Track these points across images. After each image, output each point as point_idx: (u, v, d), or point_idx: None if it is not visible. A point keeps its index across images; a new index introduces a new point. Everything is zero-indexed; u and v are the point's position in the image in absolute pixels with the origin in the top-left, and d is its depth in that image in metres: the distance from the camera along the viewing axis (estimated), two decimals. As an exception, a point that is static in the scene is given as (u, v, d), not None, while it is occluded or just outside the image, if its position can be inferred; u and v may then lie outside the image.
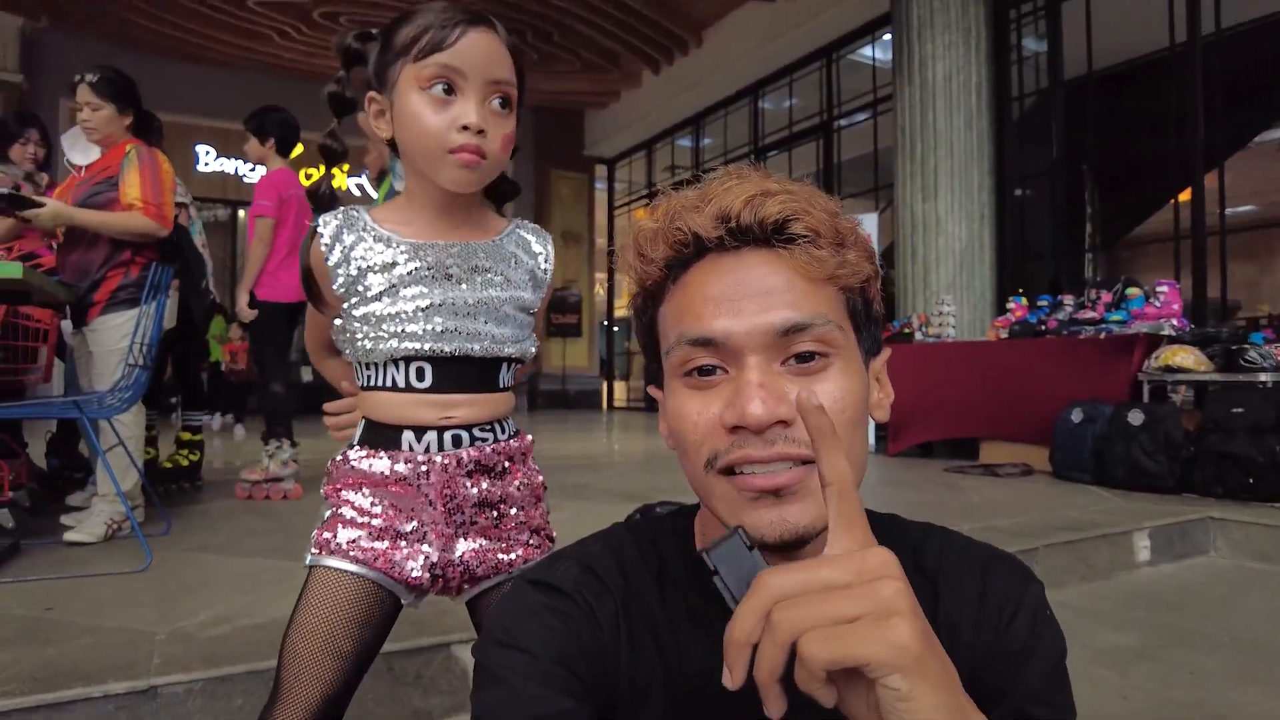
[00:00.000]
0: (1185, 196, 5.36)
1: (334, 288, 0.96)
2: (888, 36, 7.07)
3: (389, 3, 8.53)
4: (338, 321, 0.99)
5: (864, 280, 0.62)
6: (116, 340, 2.84)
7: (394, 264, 0.94)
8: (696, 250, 0.61)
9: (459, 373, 0.96)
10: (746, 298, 0.58)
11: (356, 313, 0.95)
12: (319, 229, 0.95)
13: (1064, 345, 4.67)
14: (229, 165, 10.77)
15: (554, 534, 1.06)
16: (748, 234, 0.59)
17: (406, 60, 0.90)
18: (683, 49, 10.01)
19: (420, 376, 0.95)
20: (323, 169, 0.98)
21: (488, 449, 0.98)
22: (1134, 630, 2.33)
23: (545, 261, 1.05)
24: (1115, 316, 4.54)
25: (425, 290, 0.94)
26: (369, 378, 0.98)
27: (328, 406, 1.08)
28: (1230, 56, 5.33)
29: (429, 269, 0.95)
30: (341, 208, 0.97)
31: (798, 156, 9.35)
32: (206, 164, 10.77)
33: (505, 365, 1.00)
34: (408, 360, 0.95)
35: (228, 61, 9.72)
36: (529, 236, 1.05)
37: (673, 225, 0.61)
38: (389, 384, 0.96)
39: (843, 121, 8.69)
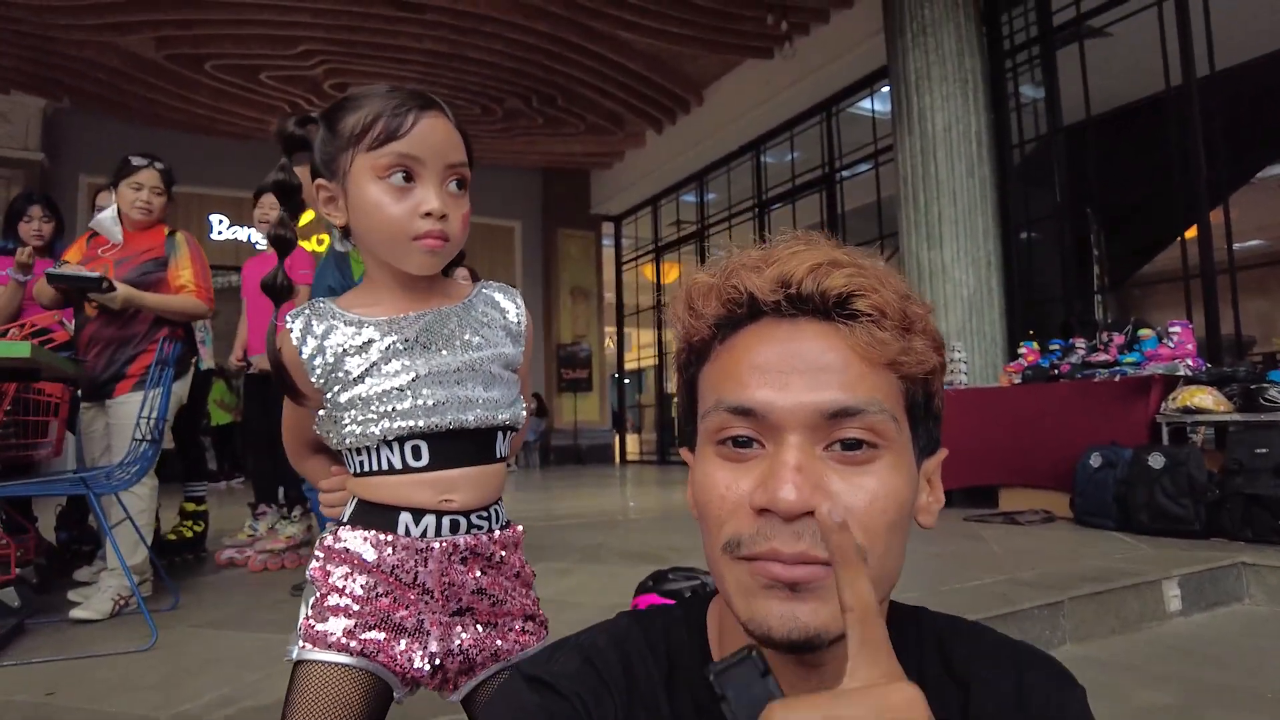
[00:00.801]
0: (1191, 234, 5.35)
1: (312, 380, 0.93)
2: (886, 89, 7.17)
3: (397, 74, 8.75)
4: (321, 413, 0.96)
5: (928, 372, 0.57)
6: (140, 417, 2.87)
7: (370, 342, 0.92)
8: (750, 312, 0.57)
9: (456, 447, 0.93)
10: (796, 372, 0.53)
11: (342, 399, 0.93)
12: (288, 325, 0.93)
13: (1078, 389, 4.62)
14: (241, 233, 10.98)
15: (546, 620, 1.04)
16: (807, 303, 0.55)
17: (359, 149, 0.89)
18: (684, 108, 10.19)
19: (417, 455, 0.92)
20: (316, 240, 0.96)
21: (483, 537, 0.96)
22: (1172, 687, 2.24)
23: (517, 314, 1.03)
24: (1129, 358, 4.49)
25: (408, 363, 0.92)
26: (361, 463, 0.94)
27: (323, 484, 1.05)
28: (1228, 95, 5.37)
29: (406, 341, 0.93)
30: (307, 302, 0.96)
31: (801, 209, 9.43)
32: (220, 232, 11.00)
33: (501, 434, 0.98)
34: (402, 440, 0.92)
35: (241, 134, 9.96)
36: (495, 295, 1.03)
37: (728, 282, 0.57)
38: (384, 467, 0.93)
39: (845, 173, 8.78)
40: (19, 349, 2.24)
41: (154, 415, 2.77)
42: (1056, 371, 4.84)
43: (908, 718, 0.39)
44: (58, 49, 8.04)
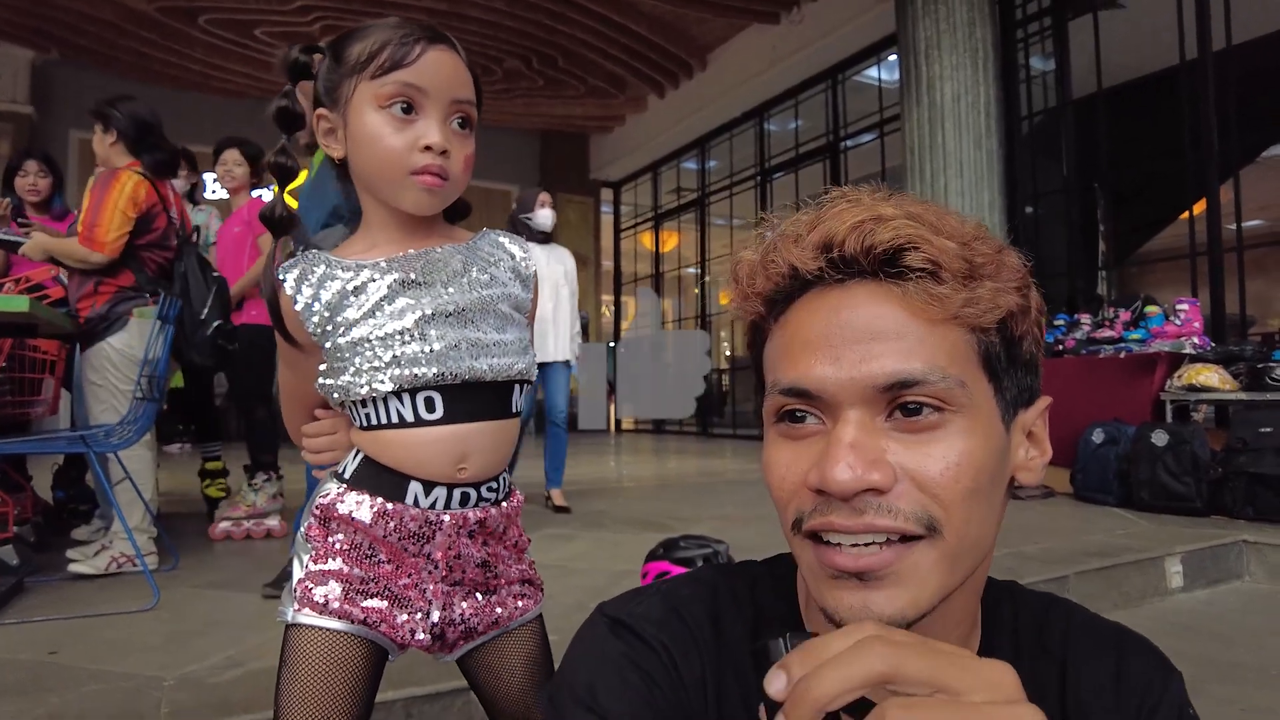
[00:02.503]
0: (1200, 208, 5.30)
1: (309, 331, 0.87)
2: (893, 58, 7.06)
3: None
4: (322, 367, 0.90)
5: (1004, 316, 0.52)
6: (92, 374, 2.84)
7: (369, 283, 0.87)
8: (797, 285, 0.54)
9: (472, 400, 0.88)
10: (847, 343, 0.50)
11: (342, 342, 0.86)
12: (281, 277, 0.88)
13: (1083, 365, 4.60)
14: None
15: (542, 583, 1.02)
16: (854, 265, 0.51)
17: (362, 77, 0.84)
18: (688, 73, 10.03)
19: (430, 407, 0.86)
20: (276, 189, 0.91)
21: (493, 510, 0.92)
22: (1175, 663, 2.24)
23: (524, 258, 0.97)
24: (1134, 335, 4.47)
25: (412, 301, 0.86)
26: (368, 416, 0.87)
27: (306, 428, 0.98)
28: (1243, 70, 5.29)
29: (408, 279, 0.87)
30: (299, 253, 0.90)
31: (804, 178, 9.33)
32: (215, 191, 10.79)
33: (518, 388, 0.93)
34: (413, 391, 0.85)
35: (235, 91, 9.76)
36: (501, 239, 0.98)
37: (768, 258, 0.54)
38: (394, 419, 0.86)
39: (849, 143, 8.68)
40: (17, 302, 2.19)
41: (155, 373, 2.72)
42: (1061, 347, 4.82)
43: (1017, 698, 0.34)
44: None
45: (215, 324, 3.00)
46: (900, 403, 0.50)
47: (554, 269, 4.33)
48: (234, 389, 4.06)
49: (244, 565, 2.92)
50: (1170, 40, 5.42)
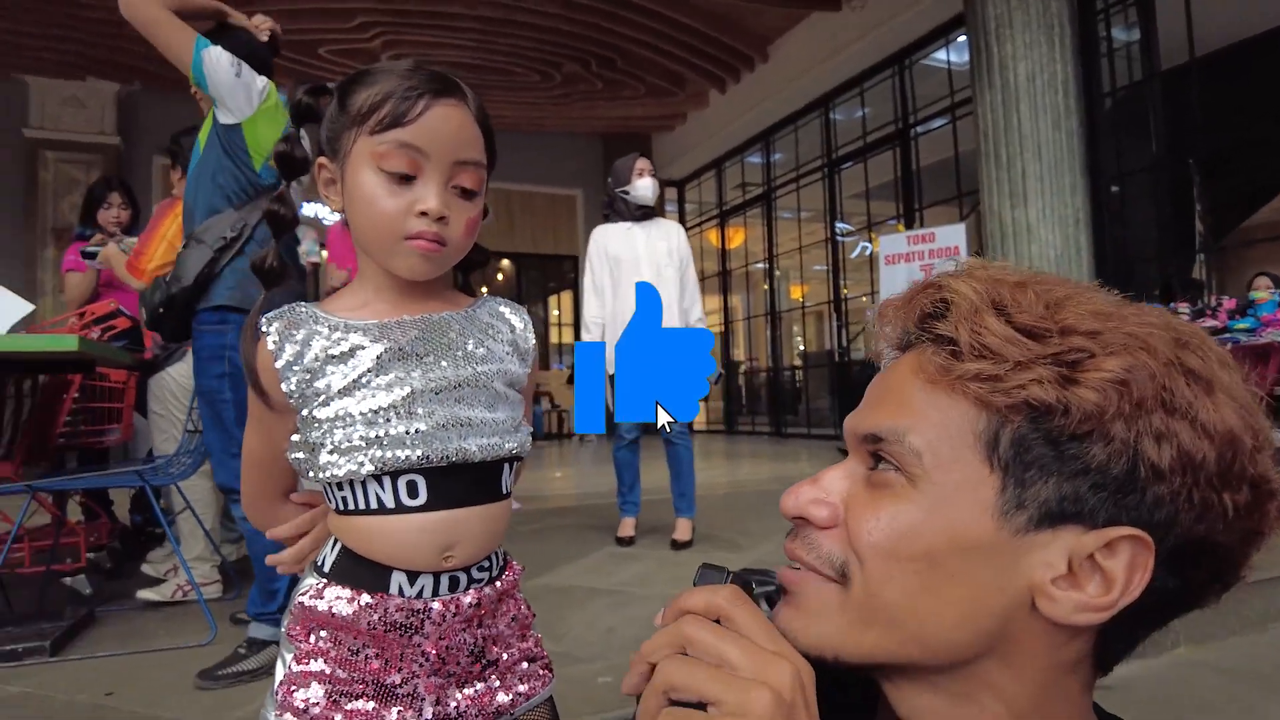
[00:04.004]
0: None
1: (286, 390, 0.80)
2: (962, 39, 6.74)
3: (452, 41, 8.65)
4: (295, 438, 0.82)
5: (1042, 409, 0.46)
6: (154, 403, 2.89)
7: (357, 349, 0.79)
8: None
9: (458, 483, 0.80)
10: (867, 396, 0.56)
11: (320, 415, 0.79)
12: (262, 327, 0.80)
13: (1181, 358, 4.27)
14: (308, 209, 11.11)
15: (550, 662, 0.92)
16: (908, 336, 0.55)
17: (362, 130, 0.78)
18: (749, 66, 9.83)
19: (413, 492, 0.79)
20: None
21: (486, 589, 0.83)
22: (1301, 701, 2.01)
23: (524, 330, 0.90)
24: (1241, 324, 4.12)
25: (402, 375, 0.79)
26: (345, 500, 0.80)
27: (281, 532, 0.90)
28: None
29: (399, 350, 0.80)
30: (286, 305, 0.83)
31: (873, 167, 9.03)
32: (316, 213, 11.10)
33: (508, 466, 0.85)
34: (395, 474, 0.78)
35: (304, 110, 10.03)
36: (503, 309, 0.91)
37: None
38: (373, 505, 0.79)
39: (919, 128, 8.35)
40: (66, 342, 2.22)
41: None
42: (1155, 340, 4.49)
43: (768, 682, 0.43)
44: (127, 32, 8.14)
45: None
46: (876, 454, 0.52)
47: (654, 247, 3.74)
48: None
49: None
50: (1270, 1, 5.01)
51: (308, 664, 0.79)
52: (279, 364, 0.79)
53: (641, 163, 3.80)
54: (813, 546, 0.52)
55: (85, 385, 3.23)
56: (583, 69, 9.51)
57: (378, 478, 0.78)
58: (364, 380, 0.79)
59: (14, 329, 2.42)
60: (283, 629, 0.82)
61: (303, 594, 0.81)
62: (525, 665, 0.89)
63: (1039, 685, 0.50)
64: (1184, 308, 4.49)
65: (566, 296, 13.43)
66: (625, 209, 3.75)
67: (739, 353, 12.70)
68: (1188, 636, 2.40)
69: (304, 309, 0.82)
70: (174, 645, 2.34)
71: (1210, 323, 4.24)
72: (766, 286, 11.50)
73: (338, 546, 0.82)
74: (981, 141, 5.83)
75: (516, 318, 0.90)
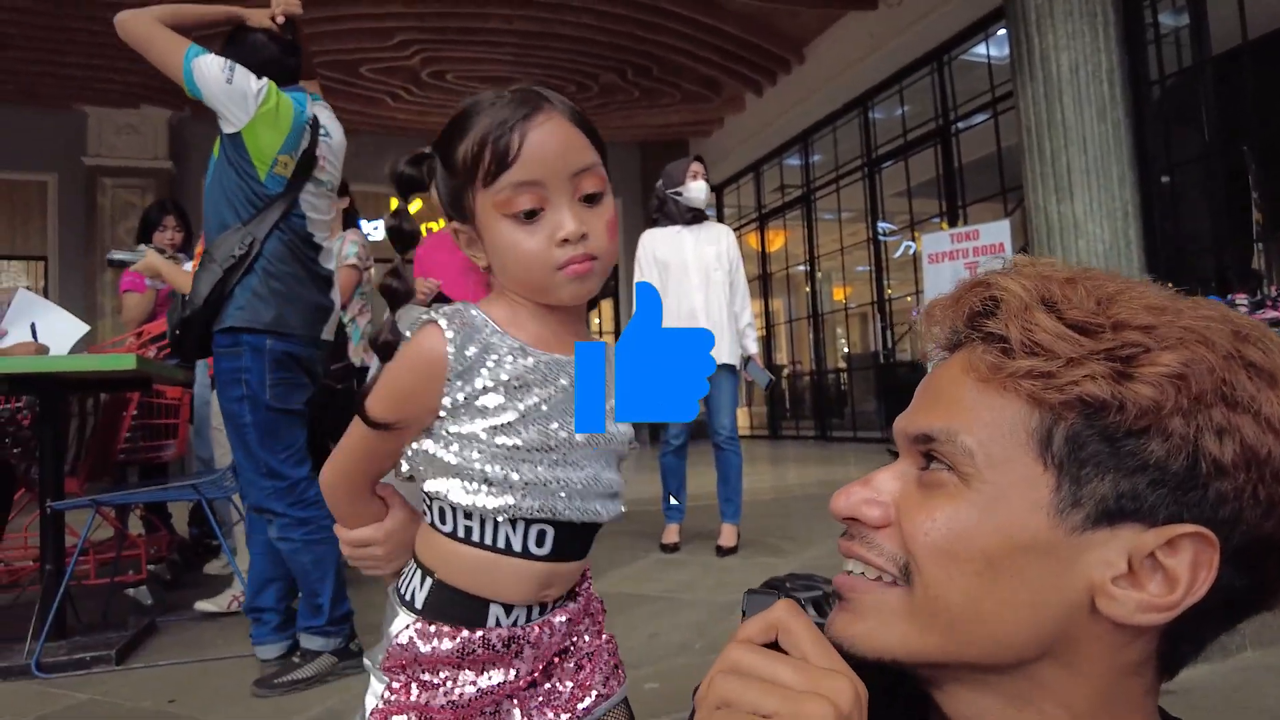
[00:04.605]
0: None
1: (446, 404, 0.75)
2: (1002, 32, 6.63)
3: (491, 57, 8.76)
4: (427, 444, 0.77)
5: (1096, 405, 0.46)
6: (215, 419, 2.95)
7: (530, 384, 0.75)
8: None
9: (578, 538, 0.81)
10: (917, 397, 0.56)
11: (472, 434, 0.75)
12: (439, 321, 0.75)
13: (1239, 351, 4.13)
14: (366, 227, 11.32)
15: (621, 661, 0.92)
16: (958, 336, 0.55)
17: (475, 186, 0.76)
18: (784, 68, 9.79)
19: (540, 542, 0.78)
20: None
21: (571, 605, 0.85)
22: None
23: None
24: (1302, 315, 3.98)
25: (562, 423, 0.76)
26: (467, 529, 0.77)
27: (362, 535, 0.85)
28: None
29: (568, 395, 0.75)
30: (453, 306, 0.78)
31: (915, 164, 8.92)
32: (371, 232, 11.30)
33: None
34: (530, 520, 0.76)
35: (346, 128, 10.21)
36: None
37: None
38: (500, 544, 0.77)
39: (960, 125, 8.23)
40: (125, 361, 2.30)
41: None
42: (1212, 333, 4.35)
43: (823, 694, 0.43)
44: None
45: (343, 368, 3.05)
46: (928, 454, 0.52)
47: (702, 252, 3.67)
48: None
49: (358, 601, 2.98)
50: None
51: (403, 695, 0.79)
52: (451, 373, 0.74)
53: (695, 165, 3.76)
54: (873, 545, 0.52)
55: (143, 402, 3.34)
56: (619, 78, 9.57)
57: (512, 520, 0.77)
58: (531, 418, 0.76)
59: (74, 349, 2.51)
60: (376, 664, 0.82)
61: (398, 633, 0.79)
62: (603, 665, 0.88)
63: (1100, 688, 0.49)
64: (1242, 299, 4.35)
65: (607, 305, 13.47)
66: (676, 211, 3.71)
67: (781, 356, 12.61)
68: (1255, 640, 2.32)
69: (476, 313, 0.78)
70: (232, 654, 2.41)
71: (1271, 314, 4.11)
72: (808, 289, 11.42)
73: (428, 583, 0.79)
74: (1024, 136, 5.73)
75: None
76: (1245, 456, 0.44)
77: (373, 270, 4.09)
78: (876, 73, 8.82)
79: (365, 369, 3.87)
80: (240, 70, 2.18)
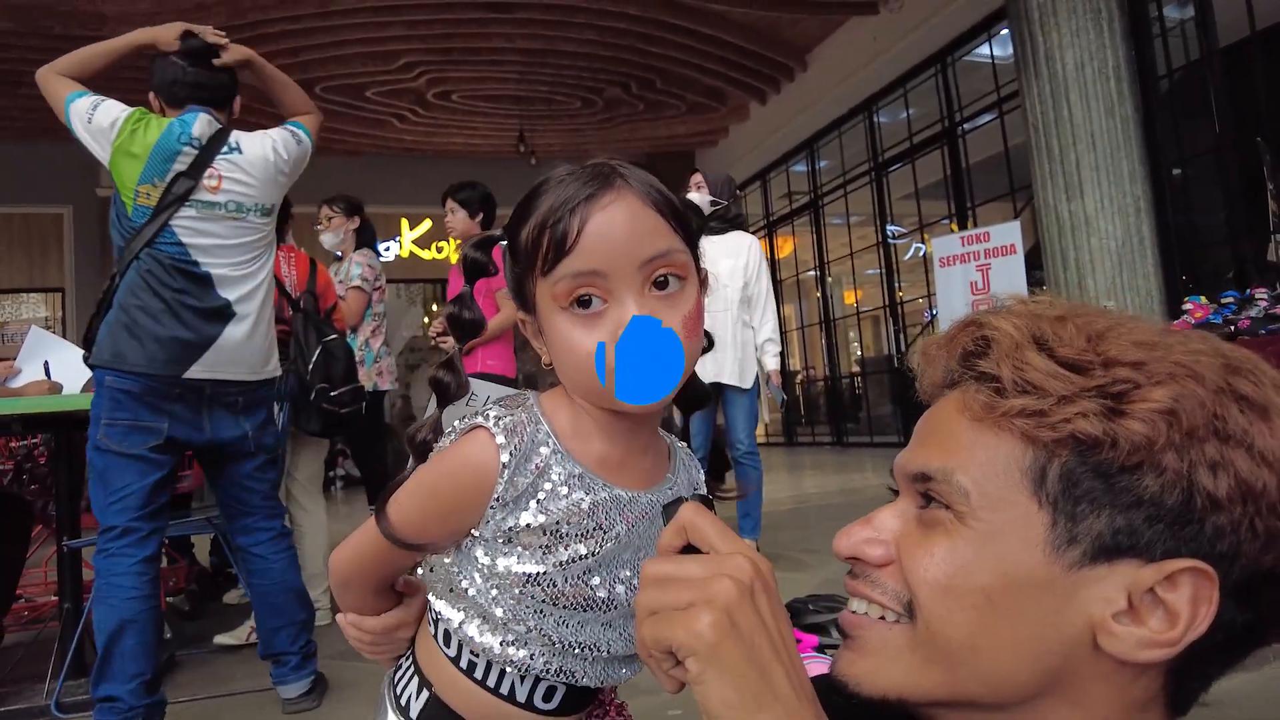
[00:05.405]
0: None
1: (483, 522, 0.67)
2: (1005, 31, 6.60)
3: (495, 75, 8.81)
4: (447, 562, 0.71)
5: (1089, 442, 0.46)
6: None
7: (576, 535, 0.67)
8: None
9: (585, 695, 0.75)
10: (914, 437, 0.56)
11: (499, 563, 0.67)
12: (493, 430, 0.65)
13: (1263, 348, 4.07)
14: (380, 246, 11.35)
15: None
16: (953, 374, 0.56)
17: (535, 274, 0.66)
18: (788, 76, 9.79)
19: (548, 698, 0.72)
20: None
21: None
22: None
23: None
24: (1323, 308, 3.92)
25: (604, 579, 0.68)
26: (471, 664, 0.71)
27: (369, 624, 0.79)
28: None
29: (619, 541, 0.67)
30: (516, 408, 0.68)
31: (921, 167, 8.88)
32: (387, 249, 11.26)
33: None
34: (541, 678, 0.70)
35: (352, 150, 10.30)
36: (691, 466, 0.78)
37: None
38: (503, 691, 0.71)
39: (966, 125, 8.19)
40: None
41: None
42: (1234, 328, 4.29)
43: (726, 573, 0.46)
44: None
45: (317, 387, 2.94)
46: (926, 494, 0.52)
47: (715, 266, 3.57)
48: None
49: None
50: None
51: None
52: (498, 491, 0.65)
53: (695, 177, 3.77)
54: (876, 584, 0.53)
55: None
56: (624, 92, 9.59)
57: (523, 673, 0.70)
58: (571, 572, 0.67)
59: (86, 386, 2.52)
60: None
61: None
62: None
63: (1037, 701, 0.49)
64: (1262, 292, 4.29)
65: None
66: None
67: (795, 362, 12.57)
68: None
69: (538, 422, 0.68)
70: (249, 689, 2.40)
71: (1290, 307, 4.05)
72: (819, 294, 11.38)
73: (425, 695, 0.74)
74: (1032, 135, 5.69)
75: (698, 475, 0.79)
76: (1240, 490, 0.44)
77: (385, 291, 4.09)
78: (880, 77, 8.80)
79: (379, 392, 3.87)
80: (104, 107, 2.14)
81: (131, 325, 2.07)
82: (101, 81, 2.25)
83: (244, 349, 2.21)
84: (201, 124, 2.19)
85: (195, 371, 2.12)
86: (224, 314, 2.18)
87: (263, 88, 2.45)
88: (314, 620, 2.44)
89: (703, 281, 0.70)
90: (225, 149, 2.22)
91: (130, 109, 2.16)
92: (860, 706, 0.52)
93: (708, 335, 0.71)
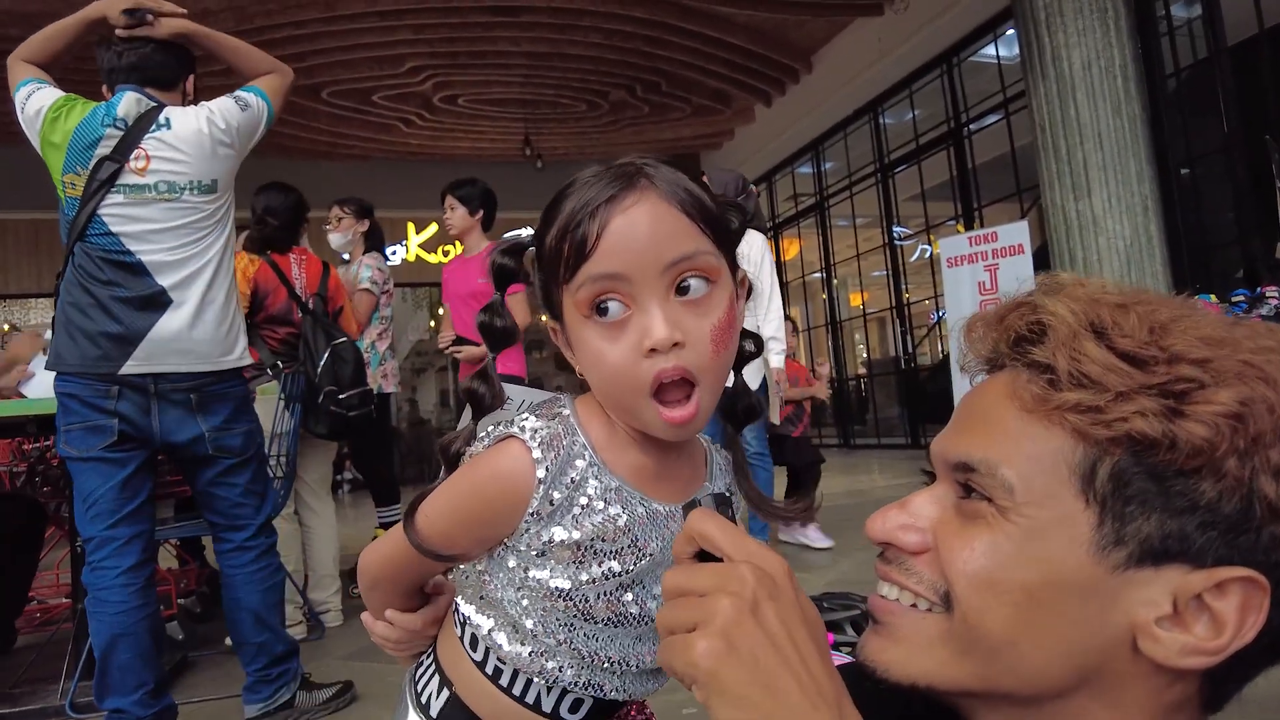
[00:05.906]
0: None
1: (519, 532, 0.65)
2: (1011, 31, 6.59)
3: (501, 79, 8.82)
4: (479, 568, 0.69)
5: (1146, 443, 0.44)
6: None
7: (611, 552, 0.65)
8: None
9: (611, 708, 0.73)
10: (955, 419, 0.54)
11: (531, 574, 0.66)
12: (528, 441, 0.63)
13: (1271, 345, 4.05)
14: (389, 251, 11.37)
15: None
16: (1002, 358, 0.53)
17: (559, 281, 0.63)
18: (793, 77, 9.79)
19: (575, 709, 0.70)
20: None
21: None
22: None
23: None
24: (1334, 306, 3.90)
25: (638, 595, 0.67)
26: (497, 670, 0.69)
27: (400, 619, 0.77)
28: None
29: (654, 560, 0.66)
30: (553, 417, 0.66)
31: (928, 168, 8.87)
32: (394, 252, 11.27)
33: None
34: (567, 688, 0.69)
35: (360, 154, 10.32)
36: (727, 475, 0.75)
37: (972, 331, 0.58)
38: (529, 700, 0.69)
39: (973, 126, 8.18)
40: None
41: (285, 453, 2.81)
42: (1242, 327, 4.27)
43: (726, 590, 0.44)
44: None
45: (325, 390, 2.89)
46: (966, 484, 0.50)
47: None
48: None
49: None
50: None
51: None
52: (533, 505, 0.63)
53: (701, 179, 3.69)
54: (911, 571, 0.51)
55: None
56: (629, 95, 9.60)
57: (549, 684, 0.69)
58: (604, 588, 0.66)
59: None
60: None
61: None
62: None
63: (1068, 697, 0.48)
64: (1271, 290, 4.27)
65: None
66: None
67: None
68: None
69: (574, 430, 0.66)
70: (263, 688, 2.39)
71: (1301, 306, 4.03)
72: (825, 296, 11.37)
73: (445, 694, 0.72)
74: (1038, 135, 5.68)
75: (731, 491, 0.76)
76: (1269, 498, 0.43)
77: (393, 294, 4.09)
78: (886, 78, 8.80)
79: (383, 395, 3.87)
80: (37, 95, 2.04)
81: (66, 324, 1.98)
82: (61, 70, 2.17)
83: (186, 338, 2.03)
84: (128, 103, 2.05)
85: (131, 367, 1.98)
86: (158, 301, 2.02)
87: (217, 58, 2.30)
88: (280, 645, 2.22)
89: (742, 285, 0.67)
90: (154, 127, 2.06)
91: (59, 95, 2.05)
92: (888, 692, 0.52)
93: (755, 338, 0.69)
